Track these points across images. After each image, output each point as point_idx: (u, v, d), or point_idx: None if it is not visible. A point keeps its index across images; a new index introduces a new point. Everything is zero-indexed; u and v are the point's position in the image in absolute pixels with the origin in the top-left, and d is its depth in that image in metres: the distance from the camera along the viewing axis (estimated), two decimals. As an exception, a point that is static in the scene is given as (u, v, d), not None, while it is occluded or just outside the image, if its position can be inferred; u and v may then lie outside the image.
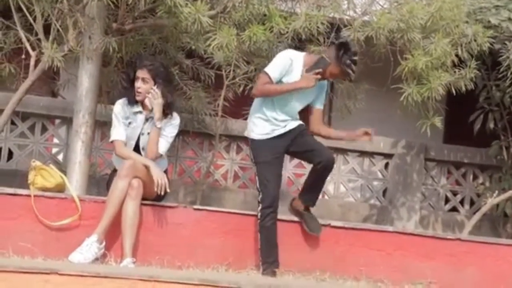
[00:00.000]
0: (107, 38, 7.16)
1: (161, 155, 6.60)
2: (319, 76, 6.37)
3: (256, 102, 6.57)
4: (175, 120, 6.66)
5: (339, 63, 6.37)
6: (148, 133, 6.54)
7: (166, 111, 6.57)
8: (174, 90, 6.86)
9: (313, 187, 6.61)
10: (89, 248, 6.10)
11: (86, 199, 6.51)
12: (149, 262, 6.29)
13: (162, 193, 6.33)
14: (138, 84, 6.55)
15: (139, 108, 6.62)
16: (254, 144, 6.56)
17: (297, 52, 6.62)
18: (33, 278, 4.97)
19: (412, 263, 6.82)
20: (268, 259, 6.39)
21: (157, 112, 6.48)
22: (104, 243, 6.20)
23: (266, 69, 6.47)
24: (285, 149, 6.53)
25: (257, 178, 6.51)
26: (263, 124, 6.49)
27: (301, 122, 6.58)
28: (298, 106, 6.56)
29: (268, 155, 6.46)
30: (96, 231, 6.17)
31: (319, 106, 6.68)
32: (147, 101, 6.52)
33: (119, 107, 6.61)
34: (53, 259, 5.98)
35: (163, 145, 6.56)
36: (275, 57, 6.57)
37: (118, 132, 6.57)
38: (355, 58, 6.40)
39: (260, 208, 6.44)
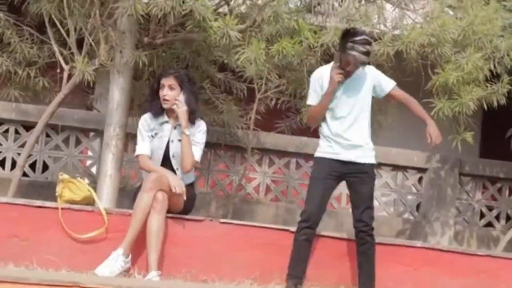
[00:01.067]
0: (137, 52, 7.22)
1: (197, 162, 6.66)
2: (340, 70, 6.28)
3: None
4: (202, 126, 6.71)
5: (343, 50, 6.25)
6: (179, 140, 6.58)
7: (191, 118, 6.61)
8: (197, 97, 6.90)
9: (363, 272, 6.43)
10: (115, 262, 6.14)
11: (113, 212, 6.55)
12: (174, 276, 6.30)
13: (178, 191, 6.37)
14: (165, 92, 6.60)
15: (165, 118, 6.67)
16: (314, 161, 6.55)
17: (326, 65, 6.59)
18: (54, 290, 5.01)
19: (441, 279, 6.73)
20: (293, 272, 6.36)
21: (183, 121, 6.54)
22: (130, 257, 6.23)
23: (307, 102, 6.55)
24: (341, 174, 6.41)
25: None
26: (326, 142, 6.42)
27: (372, 162, 6.45)
28: (350, 106, 6.38)
29: (321, 172, 6.40)
30: (122, 244, 6.21)
31: (389, 89, 6.49)
32: (175, 107, 6.56)
33: (142, 121, 6.69)
34: (78, 271, 6.02)
35: (198, 153, 6.62)
36: None
37: (141, 147, 6.63)
38: (358, 38, 6.18)
39: (299, 220, 6.45)
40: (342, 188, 6.90)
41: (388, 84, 6.52)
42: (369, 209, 6.44)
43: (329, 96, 6.36)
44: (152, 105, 6.72)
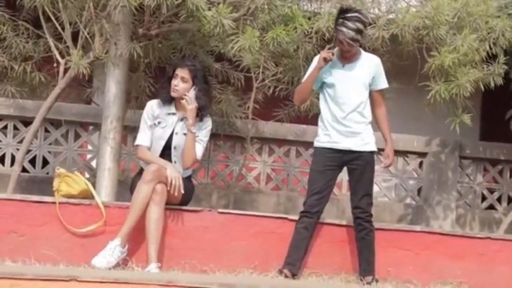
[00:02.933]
0: (131, 44, 7.20)
1: (198, 160, 6.62)
2: (331, 51, 6.28)
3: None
4: (208, 123, 6.69)
5: (335, 28, 6.26)
6: (184, 134, 6.55)
7: (200, 114, 6.58)
8: (209, 94, 6.86)
9: (363, 258, 6.48)
10: (112, 252, 6.14)
11: (111, 204, 6.55)
12: (174, 267, 6.30)
13: (176, 193, 6.34)
14: (176, 82, 6.58)
15: (172, 110, 6.64)
16: (314, 152, 6.56)
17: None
18: (51, 285, 5.01)
19: (441, 263, 6.74)
20: (287, 259, 6.41)
21: (190, 118, 6.50)
22: (127, 247, 6.23)
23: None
24: (341, 163, 6.44)
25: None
26: (324, 130, 6.43)
27: (371, 149, 6.44)
28: (351, 91, 6.37)
29: (320, 165, 6.42)
30: (119, 234, 6.20)
31: (374, 87, 6.50)
32: (184, 103, 6.53)
33: (148, 107, 6.67)
34: (76, 265, 6.02)
35: (200, 150, 6.60)
36: None
37: (141, 137, 6.62)
38: (349, 14, 6.19)
39: (300, 211, 6.50)
40: (342, 175, 6.91)
41: (382, 83, 6.55)
42: (368, 196, 6.45)
43: (314, 73, 6.36)
44: (163, 91, 6.69)
